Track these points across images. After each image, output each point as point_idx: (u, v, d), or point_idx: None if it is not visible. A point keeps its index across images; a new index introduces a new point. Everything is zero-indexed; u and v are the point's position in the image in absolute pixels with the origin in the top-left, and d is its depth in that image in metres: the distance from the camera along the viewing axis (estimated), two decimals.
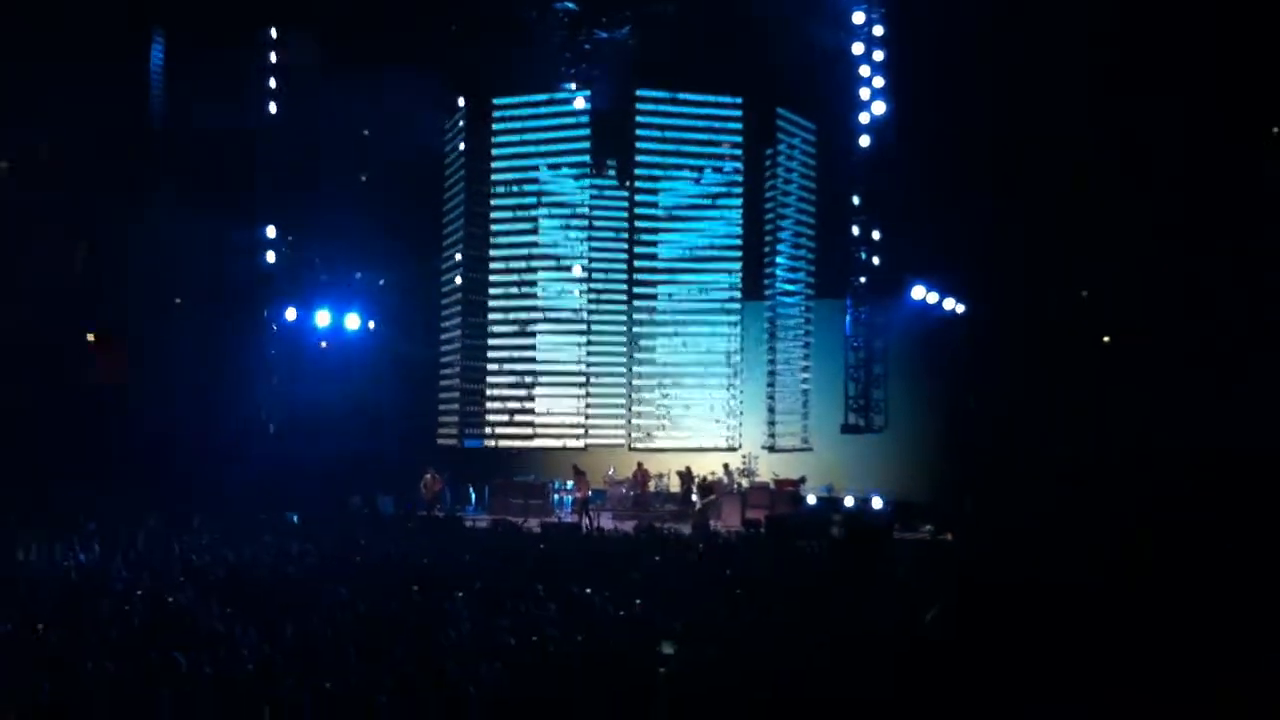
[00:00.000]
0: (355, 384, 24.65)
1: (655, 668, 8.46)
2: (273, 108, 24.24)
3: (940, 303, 23.65)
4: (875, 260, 23.79)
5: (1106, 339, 22.53)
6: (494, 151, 24.86)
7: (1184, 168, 19.66)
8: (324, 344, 25.66)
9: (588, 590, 11.92)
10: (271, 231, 24.57)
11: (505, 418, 25.02)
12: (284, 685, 7.68)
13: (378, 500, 22.57)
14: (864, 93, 23.58)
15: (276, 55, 24.52)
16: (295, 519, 19.76)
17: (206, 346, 24.03)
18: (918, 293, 23.38)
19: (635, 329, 24.95)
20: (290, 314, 24.75)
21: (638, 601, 11.34)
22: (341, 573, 13.44)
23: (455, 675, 8.05)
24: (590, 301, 24.86)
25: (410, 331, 26.09)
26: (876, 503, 22.27)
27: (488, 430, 25.05)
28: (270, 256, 24.59)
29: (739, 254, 24.63)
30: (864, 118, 23.61)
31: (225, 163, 23.85)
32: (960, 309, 23.65)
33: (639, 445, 24.67)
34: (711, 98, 24.39)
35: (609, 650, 9.23)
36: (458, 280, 25.03)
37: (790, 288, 25.01)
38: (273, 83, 24.41)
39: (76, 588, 12.07)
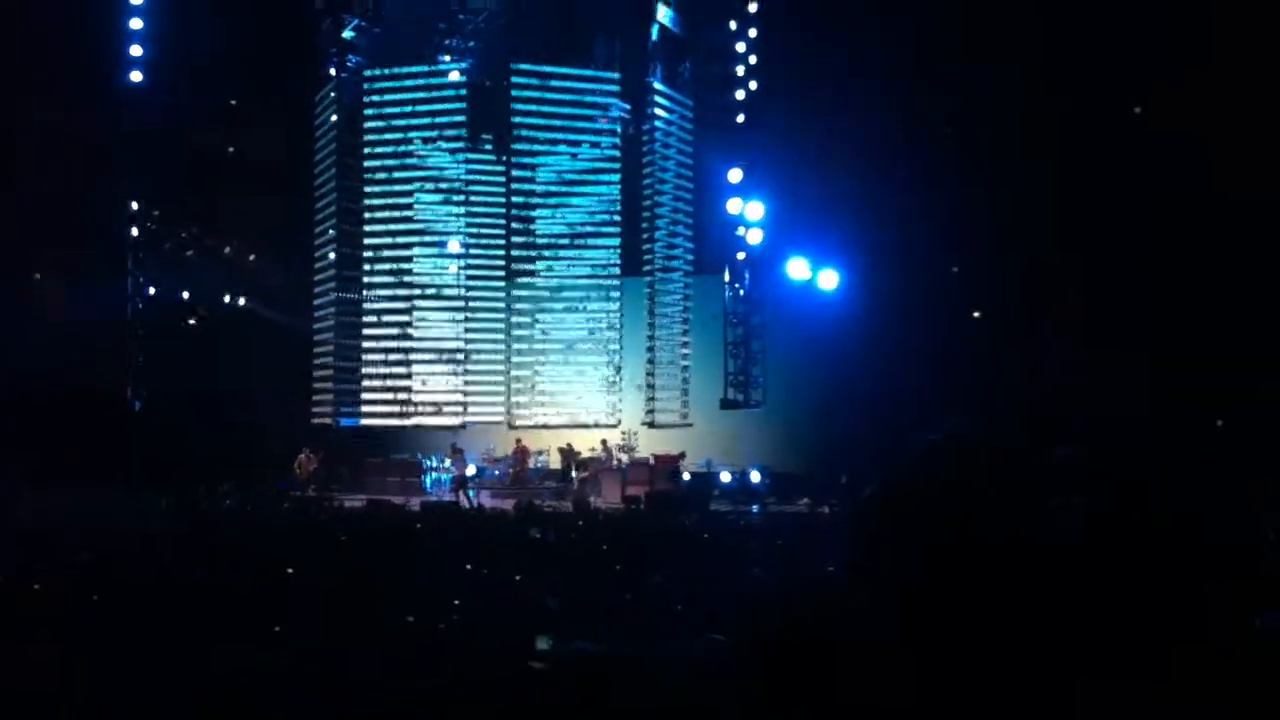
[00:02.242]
0: (226, 361, 23.97)
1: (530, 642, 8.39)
2: (136, 76, 23.28)
3: (816, 278, 23.91)
4: (753, 236, 23.95)
5: (977, 315, 23.04)
6: (367, 124, 24.41)
7: (1055, 144, 20.15)
8: (193, 320, 24.94)
9: (467, 567, 11.80)
10: (135, 205, 23.70)
11: (381, 395, 24.67)
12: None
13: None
14: (739, 69, 23.70)
15: (142, 20, 23.51)
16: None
17: (66, 323, 23.07)
18: (795, 268, 23.58)
19: (514, 305, 24.78)
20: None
21: (516, 578, 11.26)
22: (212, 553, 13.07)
23: (328, 660, 7.88)
24: (468, 278, 24.63)
25: (284, 308, 25.50)
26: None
27: (364, 408, 24.68)
28: (136, 227, 23.73)
29: (617, 230, 24.65)
30: (740, 94, 23.73)
31: (88, 132, 22.94)
32: (834, 284, 23.94)
33: (518, 423, 24.55)
34: (588, 72, 24.31)
35: (483, 627, 9.14)
36: (331, 255, 24.54)
37: (669, 264, 25.10)
38: (136, 50, 23.43)
39: None
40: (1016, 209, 20.70)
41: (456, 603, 10.27)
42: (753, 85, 23.66)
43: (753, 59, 23.63)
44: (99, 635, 8.79)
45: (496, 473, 24.18)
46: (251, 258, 25.69)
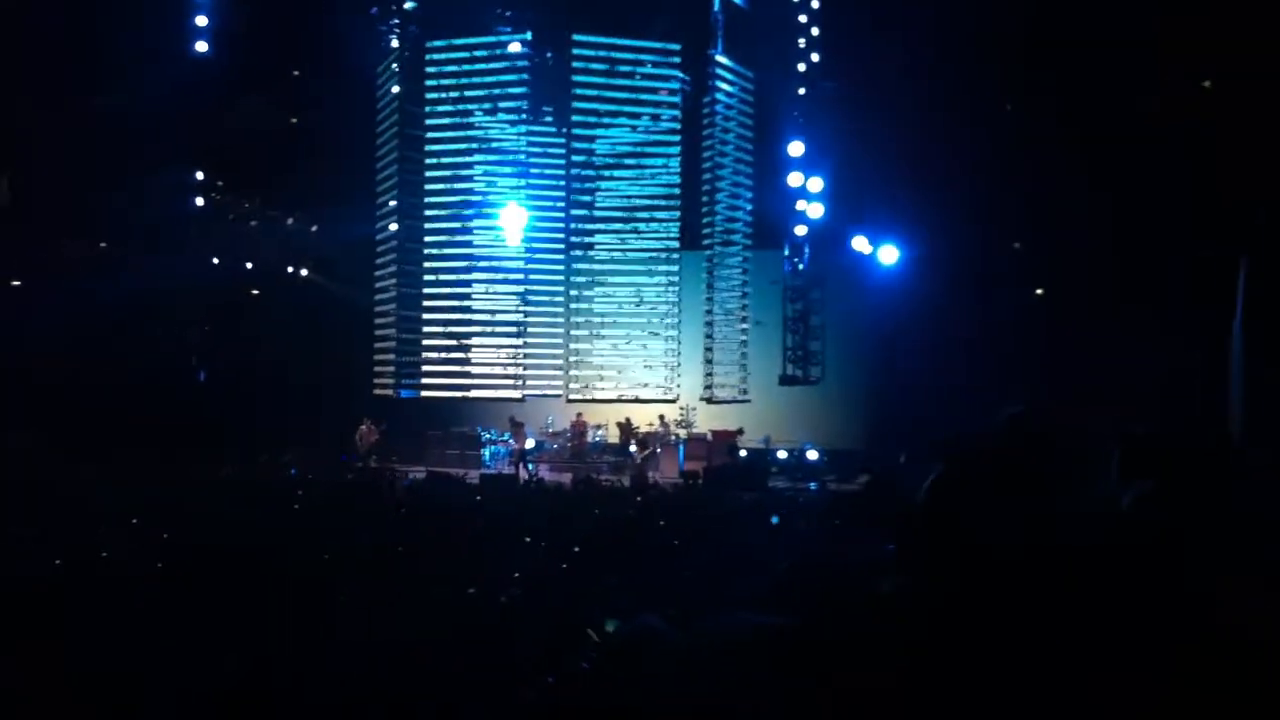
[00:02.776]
0: (289, 333, 24.22)
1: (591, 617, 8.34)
2: (201, 46, 23.47)
3: (877, 253, 23.68)
4: (814, 210, 23.75)
5: (1039, 291, 22.68)
6: (428, 96, 24.43)
7: (1122, 121, 19.72)
8: (255, 291, 25.21)
9: (526, 540, 11.79)
10: (201, 174, 23.98)
11: (441, 368, 24.78)
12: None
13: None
14: (801, 41, 23.46)
15: None
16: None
17: (131, 294, 23.37)
18: (859, 244, 23.36)
19: (573, 279, 24.76)
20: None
21: (575, 549, 11.22)
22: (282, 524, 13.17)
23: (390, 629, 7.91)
24: (527, 250, 24.62)
25: (345, 278, 25.70)
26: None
27: (424, 380, 24.81)
28: (200, 200, 24.00)
29: (677, 203, 24.51)
30: (801, 66, 23.51)
31: (151, 103, 23.16)
32: (895, 259, 23.68)
33: (576, 396, 24.57)
34: (649, 44, 24.13)
35: (545, 603, 9.13)
36: (392, 227, 24.66)
37: (728, 238, 24.93)
38: (201, 20, 23.58)
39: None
40: (1084, 185, 20.29)
41: (516, 575, 10.29)
42: (814, 57, 23.42)
43: (815, 31, 23.37)
44: (163, 602, 8.85)
45: (555, 446, 24.25)
46: (314, 229, 25.89)
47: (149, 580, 9.84)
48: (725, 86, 24.35)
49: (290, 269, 25.64)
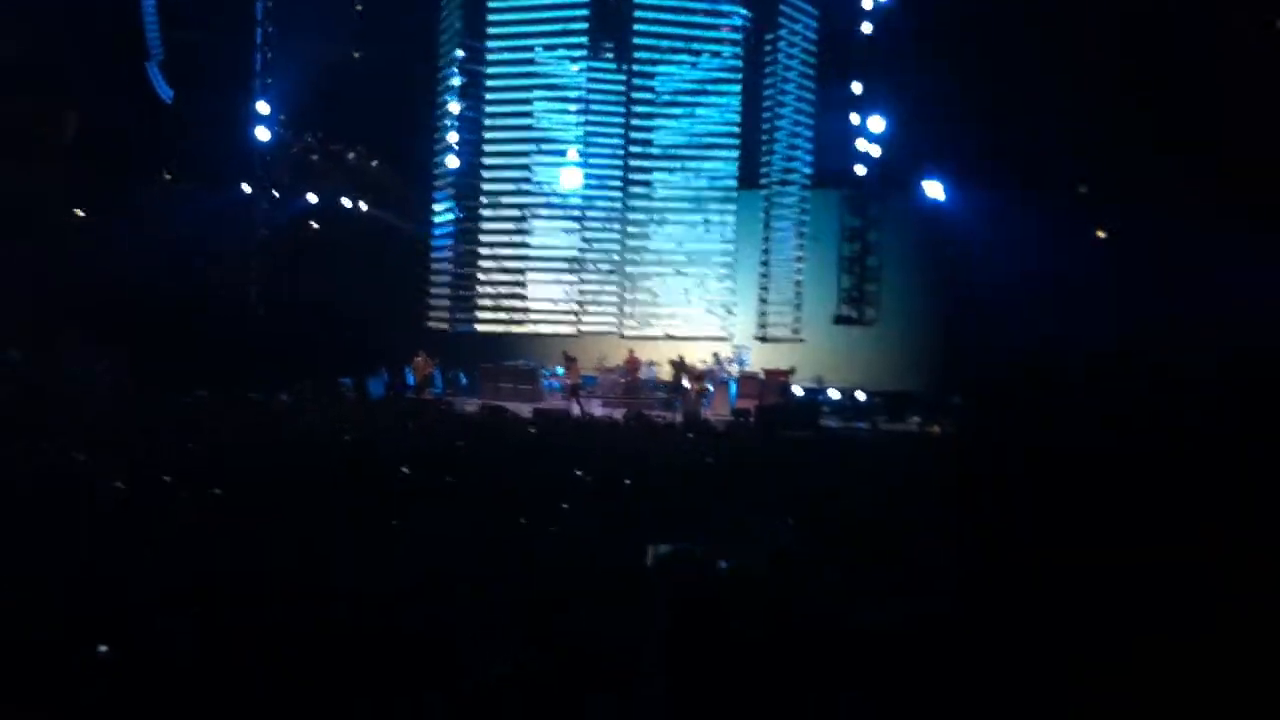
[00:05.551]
0: (348, 266, 24.48)
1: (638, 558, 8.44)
2: None
3: (939, 194, 23.38)
4: (874, 150, 23.48)
5: (1102, 234, 22.33)
6: (489, 31, 24.35)
7: (1187, 60, 19.29)
8: (315, 224, 25.48)
9: (578, 473, 11.92)
10: (264, 107, 24.18)
11: (497, 302, 24.94)
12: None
13: (368, 382, 22.60)
14: None
15: None
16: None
17: (196, 223, 23.74)
18: (929, 189, 23.04)
19: (629, 215, 24.74)
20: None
21: (627, 480, 11.34)
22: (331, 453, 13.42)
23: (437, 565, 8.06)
24: (585, 187, 24.60)
25: (404, 213, 25.89)
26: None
27: (479, 315, 24.99)
28: (263, 133, 24.22)
29: (736, 141, 24.33)
30: (866, 3, 23.15)
31: (217, 38, 23.41)
32: (954, 199, 23.37)
33: (630, 333, 24.64)
34: None
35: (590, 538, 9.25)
36: (451, 162, 24.72)
37: (787, 176, 24.75)
38: None
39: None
40: (1152, 127, 19.90)
41: (565, 506, 10.42)
42: None
43: None
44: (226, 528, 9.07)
45: (612, 380, 24.33)
46: (374, 163, 26.05)
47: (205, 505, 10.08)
48: (787, 23, 24.04)
49: (350, 202, 25.84)
